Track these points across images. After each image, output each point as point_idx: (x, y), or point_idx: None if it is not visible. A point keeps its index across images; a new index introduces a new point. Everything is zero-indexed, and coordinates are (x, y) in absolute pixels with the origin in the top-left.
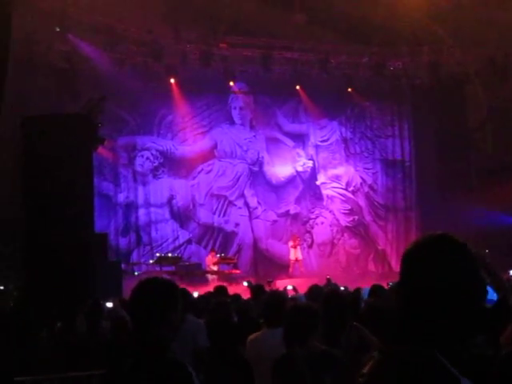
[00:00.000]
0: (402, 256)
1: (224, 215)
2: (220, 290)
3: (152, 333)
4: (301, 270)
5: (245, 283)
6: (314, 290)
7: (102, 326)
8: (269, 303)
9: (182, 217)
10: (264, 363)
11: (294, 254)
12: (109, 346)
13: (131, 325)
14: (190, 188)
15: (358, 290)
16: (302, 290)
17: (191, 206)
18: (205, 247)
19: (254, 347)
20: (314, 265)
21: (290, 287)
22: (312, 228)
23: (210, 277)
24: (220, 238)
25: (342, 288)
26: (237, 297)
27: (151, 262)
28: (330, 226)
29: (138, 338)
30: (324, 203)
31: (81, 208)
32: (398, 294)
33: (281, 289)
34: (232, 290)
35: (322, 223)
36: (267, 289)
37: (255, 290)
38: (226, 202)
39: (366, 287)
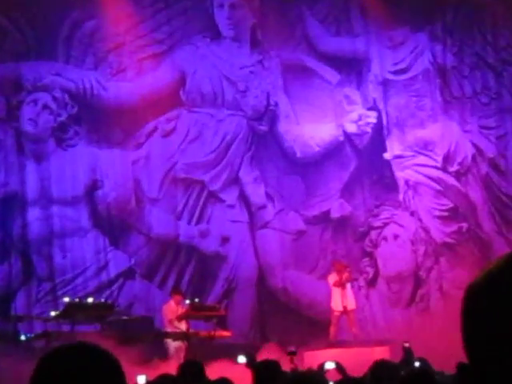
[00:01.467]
0: (465, 301)
1: (200, 221)
2: (191, 371)
3: None
4: (353, 332)
5: (241, 358)
6: (380, 372)
7: None
8: None
9: (114, 224)
10: None
11: (341, 298)
12: None
13: None
14: (131, 166)
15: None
16: (357, 372)
17: (134, 203)
18: (161, 285)
19: None
20: (380, 321)
21: (330, 365)
22: (376, 247)
23: (171, 345)
24: (191, 268)
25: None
26: None
27: (53, 314)
28: (413, 242)
29: None
30: (400, 197)
31: None
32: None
33: (314, 367)
34: (215, 371)
35: (396, 237)
36: (287, 368)
37: (261, 371)
38: (204, 195)
39: None
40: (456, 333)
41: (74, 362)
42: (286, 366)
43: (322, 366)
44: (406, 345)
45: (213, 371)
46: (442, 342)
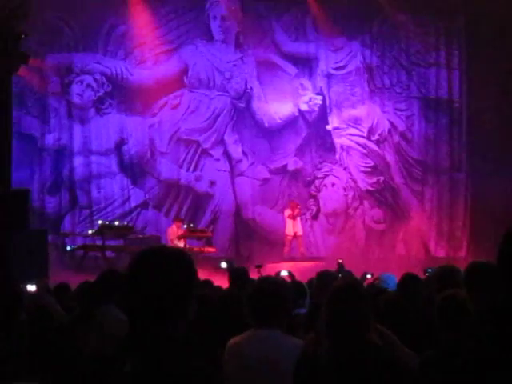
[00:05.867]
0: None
1: (195, 169)
2: None
3: (166, 327)
4: (301, 251)
5: (223, 264)
6: (324, 277)
7: (21, 318)
8: (259, 293)
9: (135, 170)
10: (250, 376)
11: (292, 227)
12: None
13: (129, 318)
14: (147, 129)
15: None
16: (302, 278)
17: (149, 155)
18: (166, 214)
19: (237, 354)
20: (320, 244)
21: (284, 273)
22: (319, 191)
23: None
24: (188, 202)
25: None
26: (207, 283)
27: (90, 232)
28: (345, 189)
29: (144, 334)
30: (337, 157)
31: None
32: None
33: (277, 274)
34: (202, 275)
35: (333, 185)
36: (255, 277)
37: (237, 274)
38: (199, 151)
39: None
40: (372, 255)
41: (165, 259)
42: (253, 276)
43: (278, 273)
44: (340, 261)
45: (201, 275)
46: (362, 260)
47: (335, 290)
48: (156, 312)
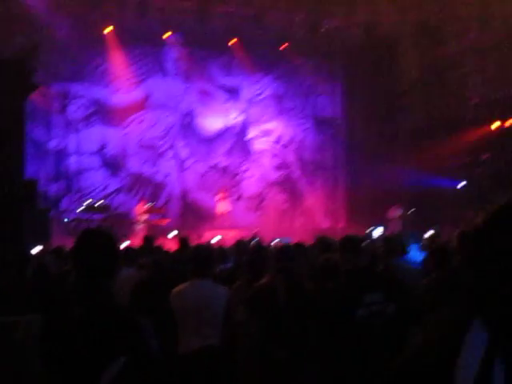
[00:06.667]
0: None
1: (154, 166)
2: (148, 241)
3: (101, 283)
4: (227, 224)
5: (173, 233)
6: (241, 245)
7: (28, 273)
8: (195, 255)
9: (112, 166)
10: (190, 313)
11: (222, 206)
12: (39, 293)
13: (78, 274)
14: (121, 137)
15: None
16: (228, 243)
17: (122, 156)
18: (134, 197)
19: (180, 297)
20: (243, 218)
21: (214, 240)
22: (241, 181)
23: (138, 227)
24: (149, 189)
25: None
26: (160, 248)
27: (80, 209)
28: (259, 180)
29: (86, 288)
30: (253, 157)
31: (10, 154)
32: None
33: (210, 240)
34: (159, 242)
35: (251, 177)
36: (197, 242)
37: (183, 240)
38: (157, 153)
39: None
40: (278, 226)
41: (98, 238)
42: (195, 242)
43: (209, 241)
44: (254, 231)
45: (158, 242)
46: (272, 229)
47: (280, 249)
48: (93, 272)
